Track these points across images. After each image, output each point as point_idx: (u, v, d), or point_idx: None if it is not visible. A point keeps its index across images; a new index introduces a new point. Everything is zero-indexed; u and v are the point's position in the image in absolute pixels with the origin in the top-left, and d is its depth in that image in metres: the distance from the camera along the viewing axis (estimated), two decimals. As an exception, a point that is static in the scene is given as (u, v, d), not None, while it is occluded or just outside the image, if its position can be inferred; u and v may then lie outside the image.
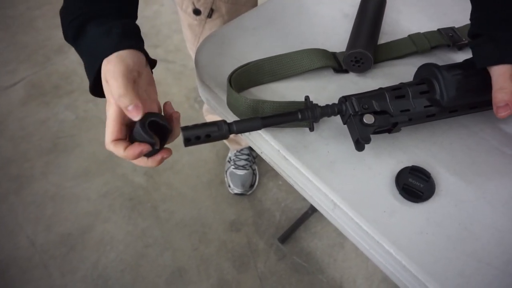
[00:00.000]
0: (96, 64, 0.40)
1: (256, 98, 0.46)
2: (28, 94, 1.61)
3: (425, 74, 0.46)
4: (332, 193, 0.43)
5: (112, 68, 0.38)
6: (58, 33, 1.83)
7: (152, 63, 0.45)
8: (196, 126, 0.39)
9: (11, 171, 1.40)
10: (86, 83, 1.62)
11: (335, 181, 0.44)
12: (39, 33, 1.83)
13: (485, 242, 0.40)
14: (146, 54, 0.43)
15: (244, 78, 0.51)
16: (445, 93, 0.43)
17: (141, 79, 0.41)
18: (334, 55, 0.54)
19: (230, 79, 0.48)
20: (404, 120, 0.43)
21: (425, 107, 0.44)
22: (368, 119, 0.41)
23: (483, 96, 0.43)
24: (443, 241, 0.40)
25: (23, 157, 1.43)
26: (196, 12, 0.75)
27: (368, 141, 0.40)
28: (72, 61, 1.73)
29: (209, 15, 0.75)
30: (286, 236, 1.28)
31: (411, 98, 0.43)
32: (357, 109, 0.42)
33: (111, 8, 0.42)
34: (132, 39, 0.42)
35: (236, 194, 1.35)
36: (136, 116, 0.38)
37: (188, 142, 0.40)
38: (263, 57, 0.52)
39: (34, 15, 1.91)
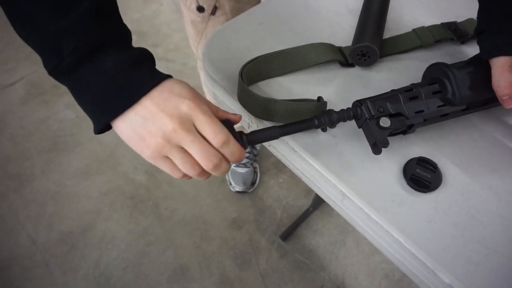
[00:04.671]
0: (131, 99, 0.34)
1: (268, 96, 0.46)
2: (27, 93, 1.61)
3: (435, 74, 0.46)
4: (341, 183, 0.43)
5: (199, 108, 0.35)
6: (57, 32, 1.83)
7: None
8: None
9: (11, 169, 1.40)
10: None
11: (344, 172, 0.44)
12: (38, 32, 1.83)
13: (492, 230, 0.40)
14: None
15: (253, 72, 0.51)
16: (457, 92, 0.43)
17: None
18: (340, 49, 0.54)
19: (242, 73, 0.49)
20: (420, 122, 0.43)
21: (438, 107, 0.44)
22: (384, 122, 0.41)
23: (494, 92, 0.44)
24: (451, 229, 0.40)
25: (23, 156, 1.43)
26: (200, 9, 0.75)
27: (386, 144, 0.41)
28: (71, 60, 1.73)
29: (213, 13, 0.75)
30: (288, 234, 1.29)
31: (424, 98, 0.44)
32: (373, 113, 0.42)
33: (119, 32, 0.37)
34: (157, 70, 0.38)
35: (237, 192, 1.36)
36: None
37: None
38: (270, 52, 0.52)
39: (33, 14, 1.90)
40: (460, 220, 0.41)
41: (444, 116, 0.45)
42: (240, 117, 0.42)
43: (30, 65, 1.70)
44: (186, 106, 0.34)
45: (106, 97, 0.34)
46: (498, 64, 0.42)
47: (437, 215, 0.41)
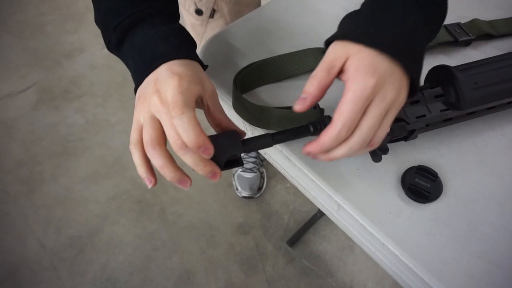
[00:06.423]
0: (151, 68, 0.37)
1: (261, 104, 0.46)
2: (38, 98, 1.64)
3: (438, 77, 0.44)
4: (336, 194, 0.42)
5: (184, 92, 0.34)
6: (67, 38, 1.86)
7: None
8: None
9: (22, 174, 1.42)
10: (95, 87, 1.63)
11: (339, 181, 0.43)
12: (49, 38, 1.86)
13: (495, 243, 0.38)
14: (200, 62, 0.41)
15: (248, 78, 0.50)
16: (461, 95, 0.41)
17: (206, 94, 0.38)
18: (338, 53, 0.53)
19: (236, 81, 0.48)
20: (421, 127, 0.41)
21: (441, 111, 0.42)
22: None
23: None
24: (451, 242, 0.38)
25: (34, 160, 1.45)
26: (198, 12, 0.75)
27: (386, 151, 0.39)
28: (81, 65, 1.76)
29: (211, 16, 0.75)
30: (295, 239, 1.27)
31: (426, 103, 0.42)
32: None
33: (158, 8, 0.40)
34: (189, 46, 0.40)
35: (244, 197, 1.34)
36: (207, 156, 0.35)
37: None
38: (266, 57, 0.51)
39: (44, 20, 1.94)
40: (461, 232, 0.39)
41: (447, 121, 0.43)
42: (245, 134, 0.40)
43: (42, 71, 1.73)
44: (171, 83, 0.35)
45: (136, 71, 0.39)
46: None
47: (437, 227, 0.39)
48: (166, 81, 0.35)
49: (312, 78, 0.34)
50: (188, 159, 0.35)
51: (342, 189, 0.42)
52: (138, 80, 0.38)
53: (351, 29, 0.35)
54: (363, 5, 0.39)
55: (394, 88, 0.32)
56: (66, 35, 1.87)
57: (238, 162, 0.40)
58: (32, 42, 1.85)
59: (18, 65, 1.75)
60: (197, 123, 0.34)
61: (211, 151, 0.34)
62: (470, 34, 0.54)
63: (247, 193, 1.33)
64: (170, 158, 0.35)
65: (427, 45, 0.40)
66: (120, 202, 1.35)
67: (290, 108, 0.44)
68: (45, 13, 1.97)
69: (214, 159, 0.37)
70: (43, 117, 1.58)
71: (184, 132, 0.33)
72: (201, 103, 0.39)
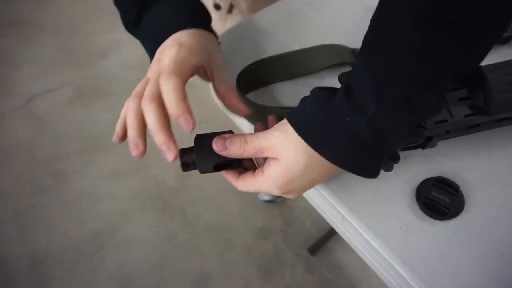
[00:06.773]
0: (163, 38, 0.39)
1: (263, 104, 0.43)
2: (73, 95, 1.70)
3: (464, 77, 0.39)
4: (340, 204, 0.38)
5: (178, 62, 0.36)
6: (103, 37, 1.92)
7: None
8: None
9: (52, 168, 1.47)
10: (126, 85, 1.63)
11: (344, 190, 0.38)
12: (86, 38, 1.93)
13: (525, 272, 0.33)
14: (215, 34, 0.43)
15: (254, 77, 0.47)
16: (490, 98, 0.36)
17: (211, 64, 0.39)
18: (353, 51, 0.49)
19: (239, 79, 0.45)
20: (441, 133, 0.37)
21: (465, 116, 0.37)
22: None
23: None
24: (470, 267, 0.33)
25: (64, 155, 1.50)
26: (217, 7, 0.73)
27: (396, 159, 0.35)
28: (114, 64, 1.80)
29: (229, 11, 0.73)
30: (317, 247, 1.22)
31: (448, 106, 0.37)
32: None
33: None
34: (202, 17, 0.42)
35: (265, 201, 1.31)
36: (186, 130, 0.33)
37: (186, 166, 0.36)
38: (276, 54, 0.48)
39: (83, 20, 2.01)
40: (483, 257, 0.34)
41: (473, 128, 0.38)
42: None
43: (77, 69, 1.79)
44: (170, 52, 0.36)
45: (152, 43, 0.40)
46: None
47: (454, 249, 0.34)
48: (167, 50, 0.37)
49: (243, 144, 0.34)
50: (149, 114, 0.33)
51: (347, 199, 0.38)
52: (154, 50, 0.40)
53: (304, 127, 0.32)
54: (341, 91, 0.32)
55: (296, 195, 0.35)
56: (102, 35, 1.92)
57: (232, 165, 0.37)
58: (70, 42, 1.92)
59: (55, 64, 1.83)
60: (182, 92, 0.33)
61: (190, 125, 0.32)
62: (509, 30, 0.48)
63: (269, 197, 1.30)
64: (164, 119, 0.33)
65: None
66: (142, 200, 1.37)
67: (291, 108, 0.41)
68: (84, 14, 2.04)
69: (204, 159, 0.35)
70: (75, 113, 1.63)
71: (166, 97, 0.33)
72: (205, 74, 0.40)
